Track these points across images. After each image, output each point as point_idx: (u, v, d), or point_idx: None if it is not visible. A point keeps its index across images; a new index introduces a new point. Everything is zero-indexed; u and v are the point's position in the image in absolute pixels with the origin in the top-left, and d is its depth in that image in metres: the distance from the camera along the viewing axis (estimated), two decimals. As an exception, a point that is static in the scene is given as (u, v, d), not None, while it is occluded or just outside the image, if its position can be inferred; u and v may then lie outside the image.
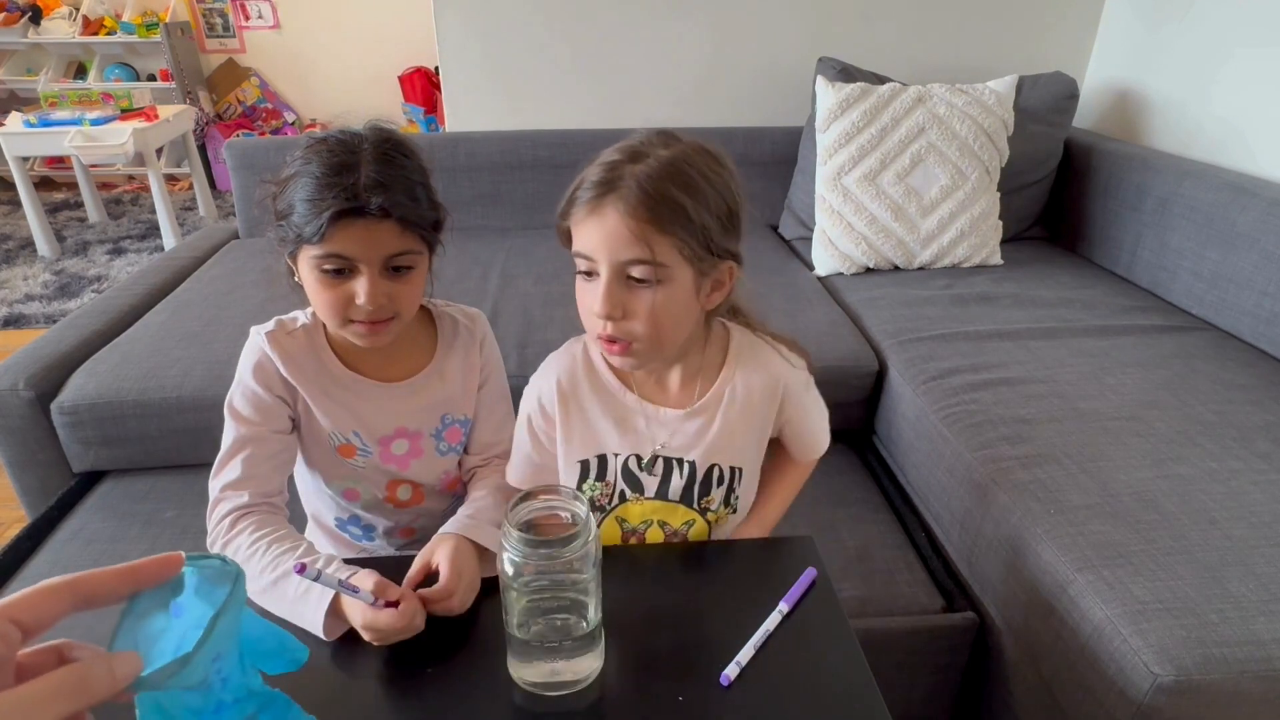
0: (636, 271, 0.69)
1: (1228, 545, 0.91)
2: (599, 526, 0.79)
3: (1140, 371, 1.28)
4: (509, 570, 0.59)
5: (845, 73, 1.84)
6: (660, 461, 0.82)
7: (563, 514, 0.63)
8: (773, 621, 0.69)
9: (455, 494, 0.98)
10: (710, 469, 0.83)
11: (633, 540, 0.86)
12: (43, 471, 1.30)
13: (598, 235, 0.69)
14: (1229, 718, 0.79)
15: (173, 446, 1.28)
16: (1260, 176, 1.55)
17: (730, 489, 0.85)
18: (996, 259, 1.75)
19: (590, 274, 0.72)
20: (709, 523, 0.86)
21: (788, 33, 2.05)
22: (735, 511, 0.87)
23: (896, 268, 1.75)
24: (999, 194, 1.76)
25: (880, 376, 1.40)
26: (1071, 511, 0.97)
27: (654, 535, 0.85)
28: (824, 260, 1.76)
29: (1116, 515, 0.96)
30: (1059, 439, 1.10)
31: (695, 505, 0.84)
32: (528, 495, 0.62)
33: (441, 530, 0.80)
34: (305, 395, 0.84)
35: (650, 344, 0.73)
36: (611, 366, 0.82)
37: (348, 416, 0.86)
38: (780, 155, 1.99)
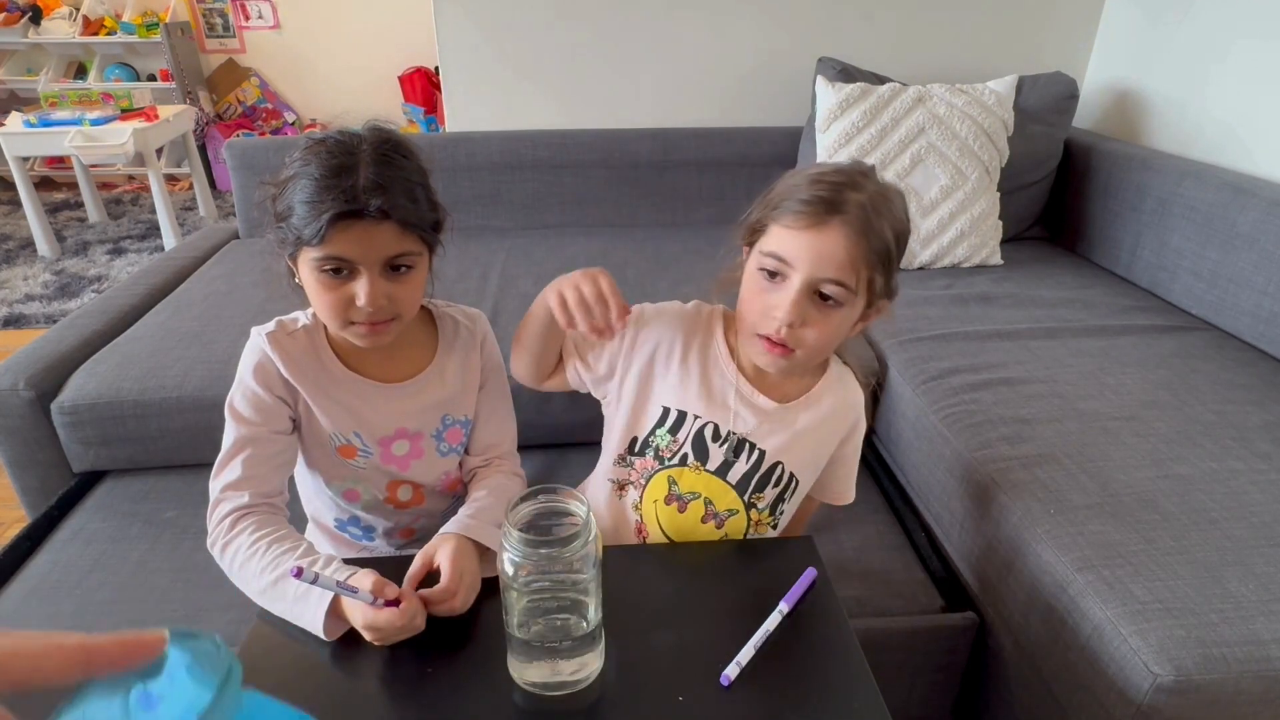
0: (829, 290, 0.74)
1: (1228, 545, 0.91)
2: (650, 481, 0.87)
3: (1140, 371, 1.28)
4: (509, 570, 0.59)
5: (845, 73, 1.84)
6: (734, 440, 0.85)
7: (563, 514, 0.63)
8: (773, 622, 0.69)
9: (455, 494, 0.98)
10: (775, 465, 0.86)
11: (674, 506, 0.87)
12: (43, 471, 1.30)
13: (811, 248, 0.73)
14: (1229, 718, 0.79)
15: (173, 446, 1.28)
16: (1260, 176, 1.55)
17: (782, 496, 0.88)
18: (996, 259, 1.75)
19: (776, 275, 0.75)
20: (749, 521, 0.88)
21: (788, 33, 2.05)
22: (775, 527, 0.90)
23: (896, 268, 1.75)
24: (999, 194, 1.76)
25: (880, 376, 1.40)
26: (1071, 511, 0.97)
27: (695, 508, 0.87)
28: (824, 260, 1.76)
29: (1116, 515, 0.96)
30: (1059, 439, 1.10)
31: (746, 496, 0.86)
32: (529, 496, 0.62)
33: (443, 530, 0.80)
34: (306, 396, 0.84)
35: (809, 356, 0.78)
36: (728, 341, 0.86)
37: (348, 417, 0.86)
38: (780, 155, 1.99)
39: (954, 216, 1.70)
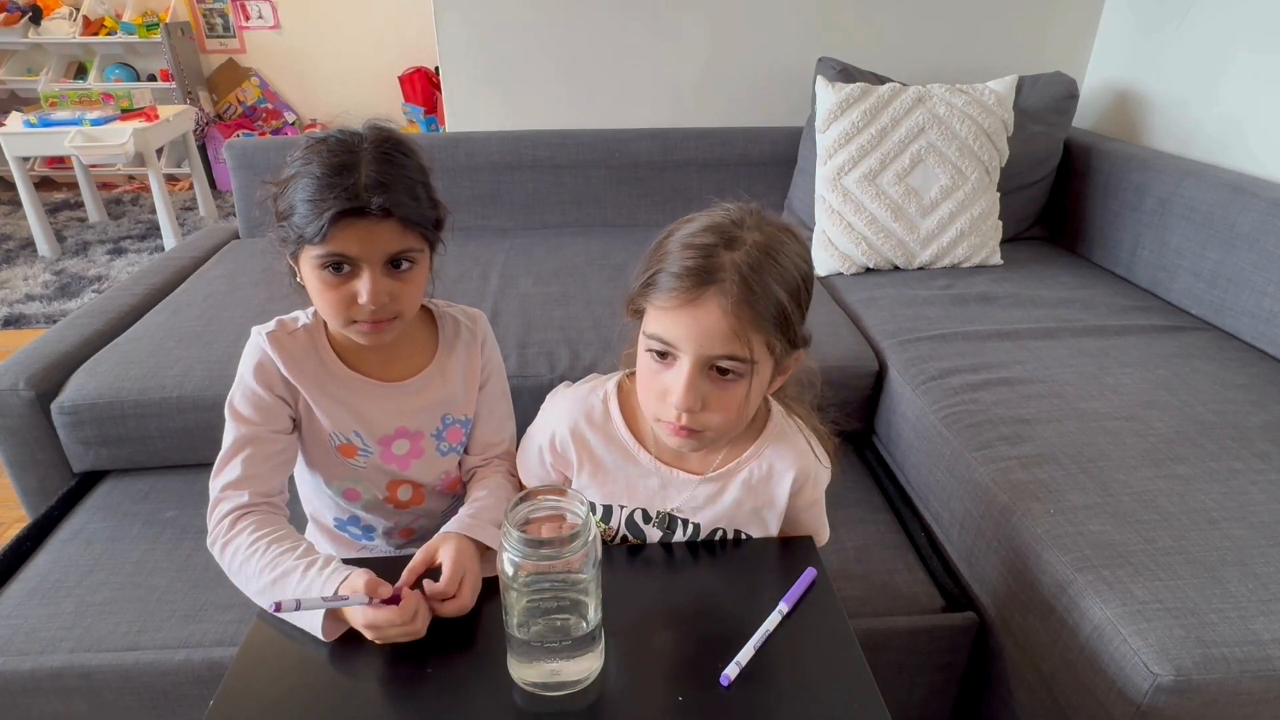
0: (724, 364, 0.66)
1: (1228, 545, 0.91)
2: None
3: (1140, 371, 1.28)
4: (509, 570, 0.59)
5: (845, 73, 1.84)
6: (666, 519, 0.82)
7: (563, 514, 0.63)
8: (773, 622, 0.69)
9: (455, 494, 0.98)
10: (714, 531, 0.83)
11: None
12: (43, 471, 1.30)
13: (691, 328, 0.66)
14: (1229, 718, 0.79)
15: (173, 446, 1.28)
16: (1260, 176, 1.55)
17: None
18: (996, 259, 1.75)
19: (665, 356, 0.68)
20: None
21: (788, 33, 2.05)
22: None
23: (896, 268, 1.75)
24: (999, 194, 1.76)
25: (880, 376, 1.40)
26: (1071, 511, 0.97)
27: None
28: (824, 260, 1.76)
29: (1116, 515, 0.96)
30: (1059, 439, 1.10)
31: None
32: (527, 495, 0.62)
33: (443, 529, 0.80)
34: (306, 395, 0.84)
35: (721, 433, 0.72)
36: (633, 427, 0.81)
37: (348, 416, 0.86)
38: (780, 155, 1.99)
39: (954, 216, 1.70)
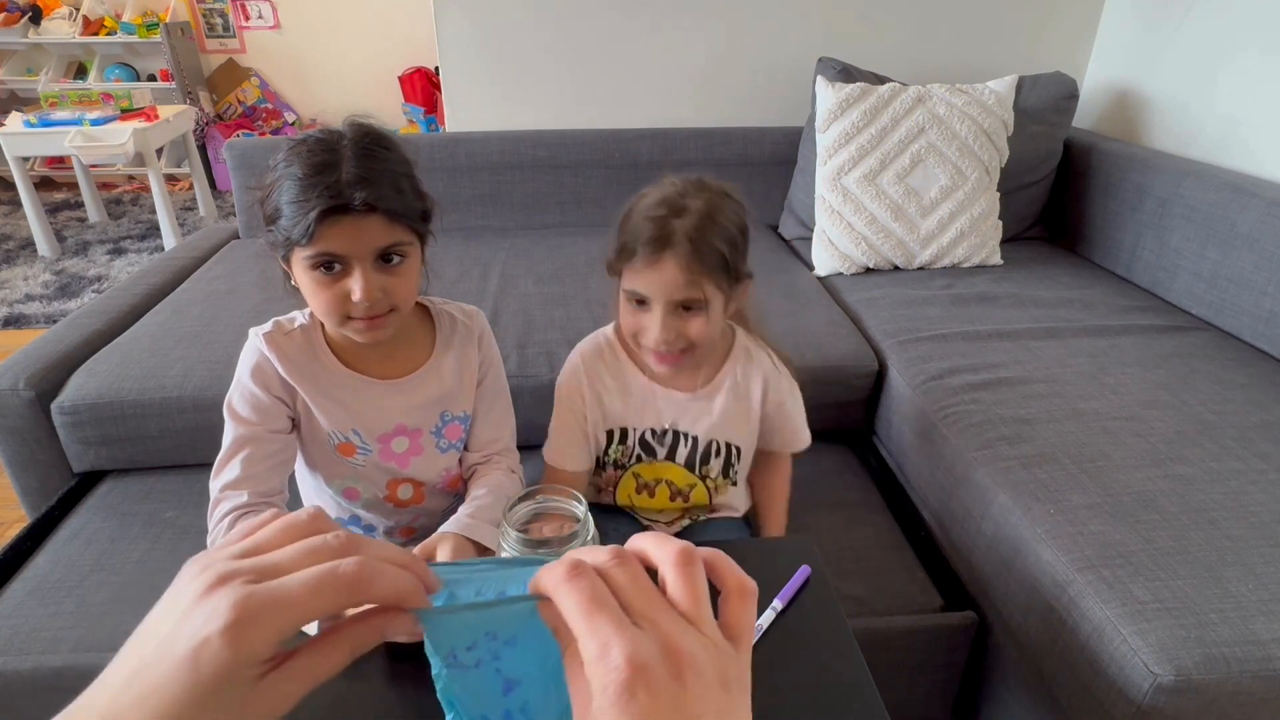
0: (686, 303, 0.87)
1: (1228, 545, 0.91)
2: (619, 484, 1.03)
3: (1140, 371, 1.28)
4: (508, 570, 0.59)
5: (845, 73, 1.84)
6: (670, 434, 1.00)
7: (562, 514, 0.62)
8: (767, 619, 0.69)
9: (456, 493, 0.99)
10: (710, 444, 1.00)
11: (644, 494, 1.03)
12: (43, 471, 1.30)
13: (657, 283, 0.85)
14: (1229, 718, 0.79)
15: (173, 446, 1.28)
16: (1260, 176, 1.54)
17: (728, 462, 1.02)
18: (996, 259, 1.75)
19: (641, 303, 0.88)
20: (709, 489, 1.02)
21: (788, 33, 2.05)
22: (735, 484, 1.04)
23: (896, 268, 1.75)
24: (999, 194, 1.76)
25: (880, 376, 1.40)
26: (1071, 511, 0.97)
27: (662, 491, 1.03)
28: (824, 260, 1.76)
29: (1116, 515, 0.96)
30: (1059, 439, 1.10)
31: (697, 472, 1.01)
32: (527, 495, 0.62)
33: (441, 529, 0.80)
34: (304, 395, 0.84)
35: (698, 351, 0.91)
36: (634, 358, 0.98)
37: (346, 415, 0.86)
38: (780, 155, 1.99)
39: (954, 216, 1.70)
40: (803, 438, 1.06)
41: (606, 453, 1.01)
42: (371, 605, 0.32)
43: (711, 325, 0.89)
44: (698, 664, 0.27)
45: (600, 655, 0.26)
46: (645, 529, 1.03)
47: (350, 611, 0.32)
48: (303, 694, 0.29)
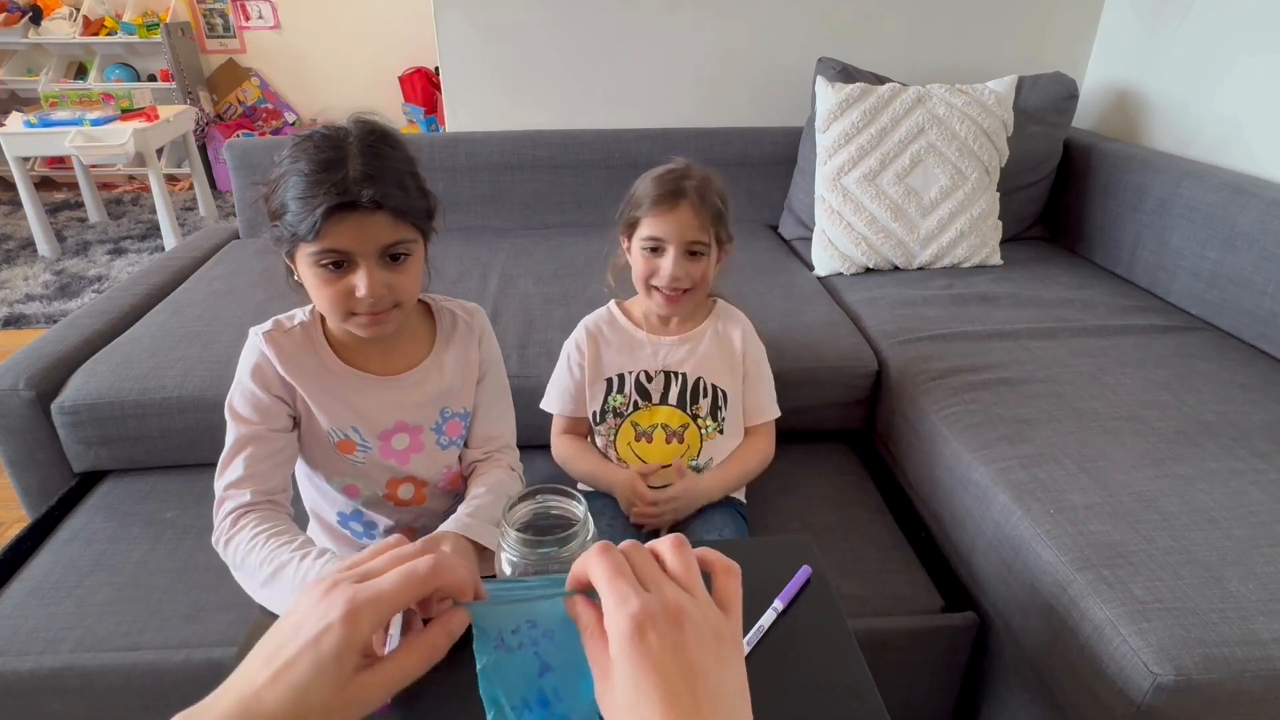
0: (695, 247, 1.04)
1: (1228, 545, 0.91)
2: (618, 432, 1.13)
3: (1140, 371, 1.28)
4: (507, 570, 0.59)
5: (845, 73, 1.84)
6: (661, 375, 1.13)
7: (561, 514, 0.62)
8: (768, 619, 0.69)
9: (457, 492, 0.99)
10: (698, 380, 1.12)
11: (643, 441, 1.13)
12: (43, 471, 1.30)
13: (674, 225, 1.03)
14: (1229, 718, 0.79)
15: (173, 446, 1.28)
16: (1260, 176, 1.54)
17: (715, 404, 1.12)
18: (996, 259, 1.75)
19: (656, 249, 1.05)
20: (700, 430, 1.12)
21: (788, 33, 2.05)
22: (723, 433, 1.13)
23: (896, 268, 1.75)
24: (999, 194, 1.76)
25: (880, 376, 1.40)
26: (1071, 511, 0.97)
27: (658, 436, 1.13)
28: (824, 260, 1.76)
29: (1116, 515, 0.96)
30: (1059, 439, 1.10)
31: (688, 410, 1.13)
32: (527, 495, 0.62)
33: (441, 528, 0.80)
34: (303, 392, 0.84)
35: (697, 293, 1.08)
36: (630, 317, 1.16)
37: (346, 412, 0.86)
38: (780, 155, 1.99)
39: (954, 216, 1.70)
40: (770, 409, 1.17)
41: (607, 401, 1.13)
42: (440, 612, 0.41)
43: (710, 269, 1.07)
44: (694, 618, 0.36)
45: (619, 606, 0.35)
46: (643, 539, 1.03)
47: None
48: (387, 692, 0.38)
